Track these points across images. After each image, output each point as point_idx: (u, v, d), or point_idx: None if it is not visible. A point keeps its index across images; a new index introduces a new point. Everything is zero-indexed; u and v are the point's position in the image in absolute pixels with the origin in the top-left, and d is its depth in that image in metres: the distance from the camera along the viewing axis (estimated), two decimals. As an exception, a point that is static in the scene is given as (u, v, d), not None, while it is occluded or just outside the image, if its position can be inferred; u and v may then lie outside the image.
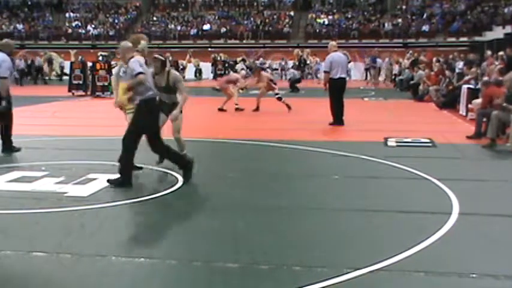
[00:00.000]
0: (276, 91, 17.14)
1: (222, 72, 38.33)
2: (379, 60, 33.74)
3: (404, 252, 4.92)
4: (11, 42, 10.33)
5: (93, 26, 45.83)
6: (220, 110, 16.79)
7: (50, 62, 39.57)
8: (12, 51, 10.16)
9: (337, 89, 13.69)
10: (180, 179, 7.76)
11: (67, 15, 47.96)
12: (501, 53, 19.61)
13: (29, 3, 48.73)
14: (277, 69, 38.75)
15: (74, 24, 46.42)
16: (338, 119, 13.69)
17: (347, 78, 14.42)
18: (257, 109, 16.85)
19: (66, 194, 6.99)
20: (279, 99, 17.05)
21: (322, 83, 14.61)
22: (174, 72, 8.37)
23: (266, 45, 42.85)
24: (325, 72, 14.20)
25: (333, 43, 14.51)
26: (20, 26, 45.93)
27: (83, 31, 45.07)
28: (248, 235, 5.61)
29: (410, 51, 31.38)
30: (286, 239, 5.48)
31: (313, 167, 9.17)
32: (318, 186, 7.72)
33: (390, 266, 4.65)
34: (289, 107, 16.83)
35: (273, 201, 6.92)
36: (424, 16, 43.97)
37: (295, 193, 7.38)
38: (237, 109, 16.54)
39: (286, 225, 5.92)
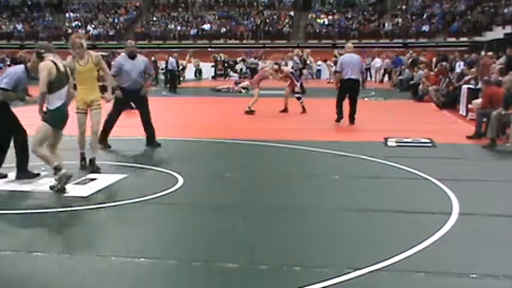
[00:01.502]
0: (297, 89, 17.01)
1: (222, 72, 38.38)
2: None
3: (405, 253, 4.92)
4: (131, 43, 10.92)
5: (93, 26, 45.85)
6: (247, 112, 16.09)
7: None
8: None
9: (346, 89, 13.93)
10: (180, 179, 7.76)
11: (67, 15, 47.96)
12: (491, 52, 19.61)
13: (29, 3, 48.75)
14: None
15: (73, 24, 46.42)
16: (340, 117, 13.94)
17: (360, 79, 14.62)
18: (285, 110, 16.60)
19: (66, 194, 6.98)
20: (299, 98, 16.87)
21: (334, 82, 15.01)
22: (65, 63, 7.52)
23: (266, 45, 42.87)
24: (336, 72, 14.61)
25: (349, 45, 14.95)
26: (19, 26, 45.92)
27: (83, 31, 45.06)
28: (248, 235, 5.61)
29: (411, 51, 31.31)
30: (287, 239, 5.48)
31: (313, 167, 9.16)
32: (318, 186, 7.71)
33: (390, 266, 4.65)
34: (304, 109, 16.59)
35: (273, 201, 6.92)
36: (424, 16, 44.00)
37: (295, 193, 7.37)
38: (247, 112, 16.08)
39: (286, 225, 5.91)
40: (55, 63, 7.09)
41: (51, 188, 7.07)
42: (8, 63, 31.84)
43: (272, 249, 5.15)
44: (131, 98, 10.60)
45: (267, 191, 7.49)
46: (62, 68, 7.17)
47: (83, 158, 8.41)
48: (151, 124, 10.54)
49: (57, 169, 7.00)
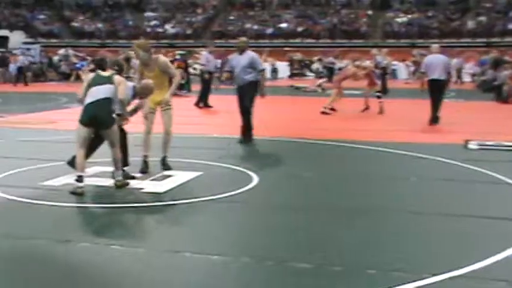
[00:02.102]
0: (377, 88, 16.79)
1: (298, 71, 38.28)
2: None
3: (486, 260, 4.72)
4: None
5: (171, 25, 46.62)
6: (324, 113, 15.94)
7: (127, 60, 40.52)
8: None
9: (431, 90, 13.83)
10: (255, 177, 7.75)
11: (146, 14, 49.00)
12: None
13: (110, 3, 50.04)
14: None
15: (152, 24, 47.35)
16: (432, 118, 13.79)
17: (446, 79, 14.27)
18: (367, 108, 16.49)
19: (142, 190, 7.10)
20: (378, 97, 16.58)
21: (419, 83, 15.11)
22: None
23: (343, 44, 42.41)
24: (421, 73, 14.72)
25: (435, 46, 14.93)
26: (100, 26, 47.25)
27: (161, 30, 45.92)
28: (323, 235, 5.53)
29: (494, 51, 30.21)
30: (362, 240, 5.37)
31: (390, 168, 8.99)
32: (395, 188, 7.55)
33: (470, 273, 4.46)
34: (381, 110, 16.28)
35: (349, 202, 6.81)
36: (510, 14, 42.40)
37: (372, 194, 7.23)
38: (323, 112, 15.87)
39: (362, 227, 5.81)
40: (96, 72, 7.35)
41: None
42: (88, 61, 32.87)
43: (347, 251, 5.06)
44: (239, 93, 10.87)
45: (343, 192, 7.39)
46: (103, 74, 7.22)
47: (144, 161, 8.17)
48: (250, 123, 10.84)
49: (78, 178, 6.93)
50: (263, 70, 11.03)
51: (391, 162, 9.48)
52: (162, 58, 8.30)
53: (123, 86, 7.16)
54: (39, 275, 4.54)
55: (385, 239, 5.44)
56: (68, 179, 7.40)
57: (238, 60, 10.81)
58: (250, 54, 10.91)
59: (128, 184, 7.19)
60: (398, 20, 44.10)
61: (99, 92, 7.03)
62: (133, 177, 7.56)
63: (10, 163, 8.55)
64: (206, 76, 17.56)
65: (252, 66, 10.72)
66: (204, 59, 17.83)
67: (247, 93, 10.72)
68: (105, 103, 7.02)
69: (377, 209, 6.42)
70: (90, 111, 7.00)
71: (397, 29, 43.15)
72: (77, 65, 32.46)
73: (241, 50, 10.89)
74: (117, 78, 7.17)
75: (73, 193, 6.82)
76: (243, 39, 11.41)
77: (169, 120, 8.32)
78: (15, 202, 6.59)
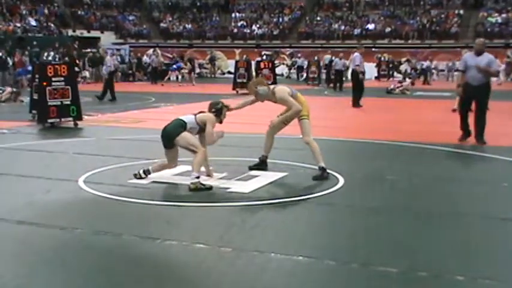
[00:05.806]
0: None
1: (386, 72, 37.65)
2: None
3: None
4: None
5: (257, 25, 46.93)
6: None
7: (212, 60, 41.18)
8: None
9: None
10: (341, 179, 7.65)
11: (233, 15, 49.54)
12: None
13: (198, 4, 50.89)
14: (443, 71, 37.44)
15: (239, 24, 47.83)
16: None
17: None
18: None
19: (228, 190, 7.15)
20: None
21: None
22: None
23: (432, 45, 41.38)
24: None
25: None
26: (188, 26, 48.13)
27: (248, 31, 46.30)
28: (408, 239, 5.42)
29: None
30: (449, 246, 5.23)
31: (479, 172, 8.69)
32: (484, 193, 7.29)
33: None
34: None
35: (436, 206, 6.63)
36: None
37: (460, 199, 7.04)
38: None
39: (449, 232, 5.64)
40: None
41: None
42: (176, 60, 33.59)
43: (433, 256, 4.93)
44: (473, 93, 10.97)
45: (430, 196, 7.21)
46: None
47: (262, 160, 8.31)
48: (481, 120, 10.86)
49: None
50: (498, 72, 10.96)
51: (482, 166, 9.17)
52: (279, 94, 7.94)
53: (209, 125, 7.56)
54: (126, 271, 4.68)
55: (473, 245, 5.27)
56: (155, 177, 7.56)
57: (476, 61, 10.85)
58: (489, 56, 11.01)
59: (202, 189, 7.16)
60: (492, 19, 42.52)
61: (180, 116, 7.76)
62: None
63: (99, 161, 8.83)
64: (361, 77, 18.31)
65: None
66: (357, 59, 18.43)
67: (482, 95, 10.85)
68: (175, 122, 7.56)
69: (464, 214, 6.24)
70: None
71: (490, 28, 41.65)
72: (174, 66, 33.13)
73: (479, 52, 10.95)
74: (200, 115, 7.64)
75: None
76: (481, 40, 11.51)
77: (304, 130, 8.01)
78: (104, 199, 6.81)
